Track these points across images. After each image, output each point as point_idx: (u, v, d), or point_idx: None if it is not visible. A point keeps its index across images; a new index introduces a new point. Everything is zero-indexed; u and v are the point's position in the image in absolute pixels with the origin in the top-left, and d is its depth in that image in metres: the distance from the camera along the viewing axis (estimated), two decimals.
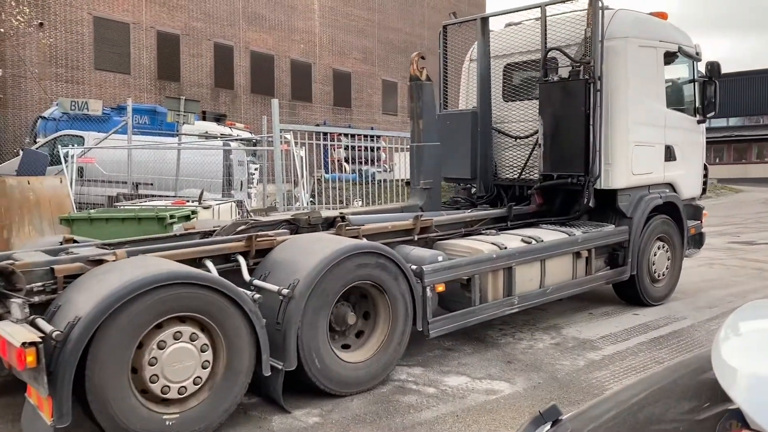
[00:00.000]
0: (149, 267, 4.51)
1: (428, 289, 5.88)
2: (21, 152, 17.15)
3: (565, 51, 7.72)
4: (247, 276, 5.38)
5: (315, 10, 35.44)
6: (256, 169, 19.91)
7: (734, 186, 39.31)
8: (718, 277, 10.82)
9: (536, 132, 7.99)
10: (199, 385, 4.56)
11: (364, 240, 5.98)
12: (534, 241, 6.94)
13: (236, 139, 21.14)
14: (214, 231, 6.15)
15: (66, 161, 14.37)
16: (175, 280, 4.38)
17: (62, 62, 27.20)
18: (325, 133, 16.09)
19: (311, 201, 15.22)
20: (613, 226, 7.88)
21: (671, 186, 8.61)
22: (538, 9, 7.98)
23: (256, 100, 32.99)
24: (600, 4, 7.38)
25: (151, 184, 16.84)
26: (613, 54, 7.75)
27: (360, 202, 15.83)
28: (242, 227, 6.08)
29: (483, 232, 7.21)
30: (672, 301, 8.77)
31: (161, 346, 4.35)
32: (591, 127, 7.49)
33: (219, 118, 28.12)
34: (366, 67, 35.49)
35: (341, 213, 6.56)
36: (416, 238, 6.75)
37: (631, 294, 8.32)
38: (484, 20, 8.64)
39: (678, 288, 8.94)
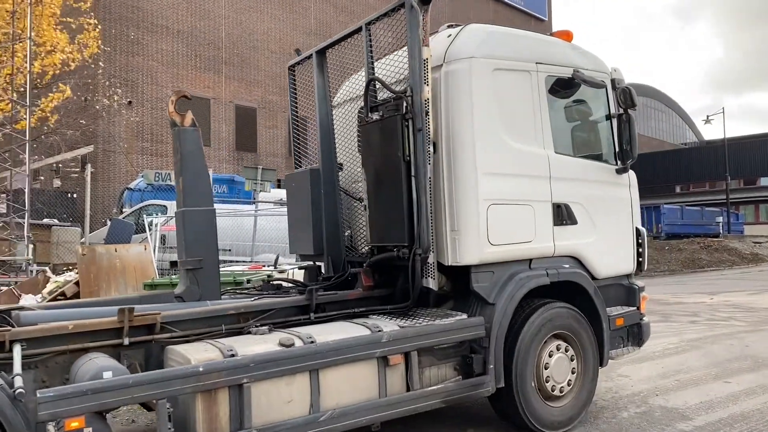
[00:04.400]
0: None
1: (51, 427, 3.66)
2: (109, 222, 17.41)
3: (383, 80, 5.41)
4: None
5: None
6: None
7: None
8: None
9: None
10: None
11: None
12: (300, 342, 4.54)
13: None
14: None
15: (150, 229, 14.58)
16: None
17: (148, 137, 27.51)
18: None
19: None
20: (465, 316, 5.29)
21: (576, 260, 5.88)
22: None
23: None
24: (418, 9, 5.02)
25: (229, 250, 16.24)
26: (453, 81, 5.31)
27: None
28: None
29: (251, 330, 4.87)
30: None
31: None
32: (413, 180, 5.07)
33: None
34: None
35: (14, 307, 4.52)
36: (128, 341, 4.54)
37: (510, 414, 5.52)
38: (321, 54, 6.43)
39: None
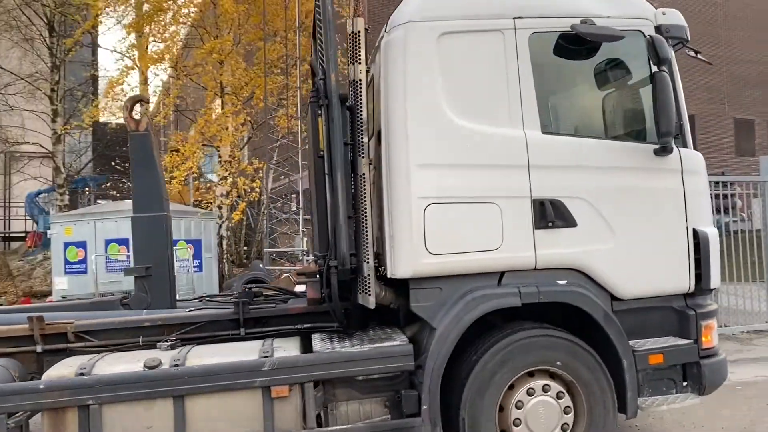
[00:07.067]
0: None
1: None
2: None
3: (315, 64, 4.48)
4: None
5: None
6: None
7: None
8: None
9: None
10: None
11: None
12: (163, 365, 3.94)
13: None
14: None
15: None
16: None
17: None
18: None
19: None
20: (398, 342, 4.13)
21: (583, 274, 4.24)
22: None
23: None
24: None
25: None
26: (388, 54, 4.18)
27: None
28: None
29: (157, 344, 4.37)
30: None
31: None
32: (328, 178, 4.10)
33: None
34: (713, 107, 29.05)
35: None
36: (40, 348, 4.40)
37: None
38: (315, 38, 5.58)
39: None
